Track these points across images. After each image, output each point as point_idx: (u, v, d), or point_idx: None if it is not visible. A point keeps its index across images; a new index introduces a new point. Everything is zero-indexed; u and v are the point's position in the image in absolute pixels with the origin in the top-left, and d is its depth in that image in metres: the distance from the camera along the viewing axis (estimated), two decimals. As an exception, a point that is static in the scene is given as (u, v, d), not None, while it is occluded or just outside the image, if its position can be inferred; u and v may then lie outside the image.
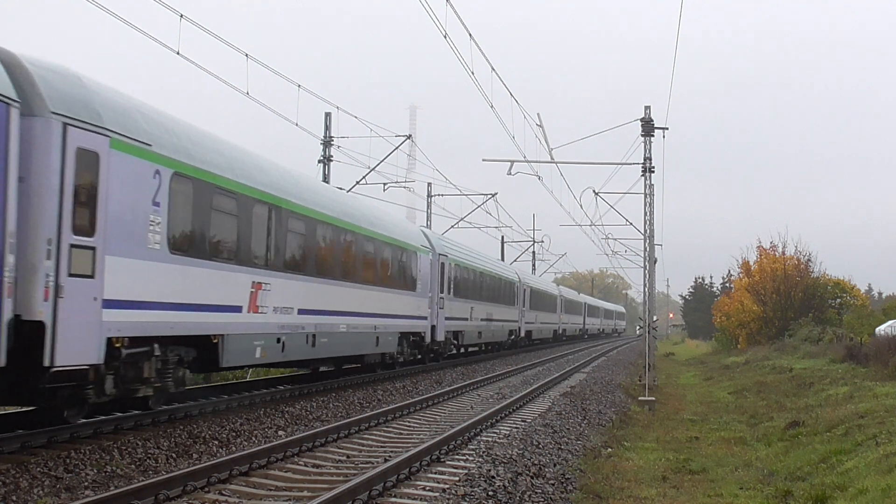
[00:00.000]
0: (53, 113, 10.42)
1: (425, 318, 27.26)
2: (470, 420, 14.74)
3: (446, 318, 29.75)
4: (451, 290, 30.62)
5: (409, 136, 33.60)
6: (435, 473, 10.82)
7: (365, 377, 22.93)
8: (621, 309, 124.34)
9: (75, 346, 10.65)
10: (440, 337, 28.91)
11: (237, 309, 14.70)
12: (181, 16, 16.48)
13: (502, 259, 56.77)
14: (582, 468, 11.85)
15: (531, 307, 49.65)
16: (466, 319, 33.35)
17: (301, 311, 17.36)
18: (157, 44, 16.73)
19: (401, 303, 24.59)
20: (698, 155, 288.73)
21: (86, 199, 10.82)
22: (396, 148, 32.18)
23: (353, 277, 20.51)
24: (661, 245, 69.56)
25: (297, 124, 24.45)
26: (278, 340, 16.27)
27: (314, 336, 18.01)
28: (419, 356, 28.03)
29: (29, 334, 10.08)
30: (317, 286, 18.24)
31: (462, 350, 37.56)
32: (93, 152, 10.95)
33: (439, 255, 29.15)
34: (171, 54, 17.18)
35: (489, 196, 45.59)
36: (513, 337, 44.68)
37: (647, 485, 11.27)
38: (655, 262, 30.12)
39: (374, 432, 14.27)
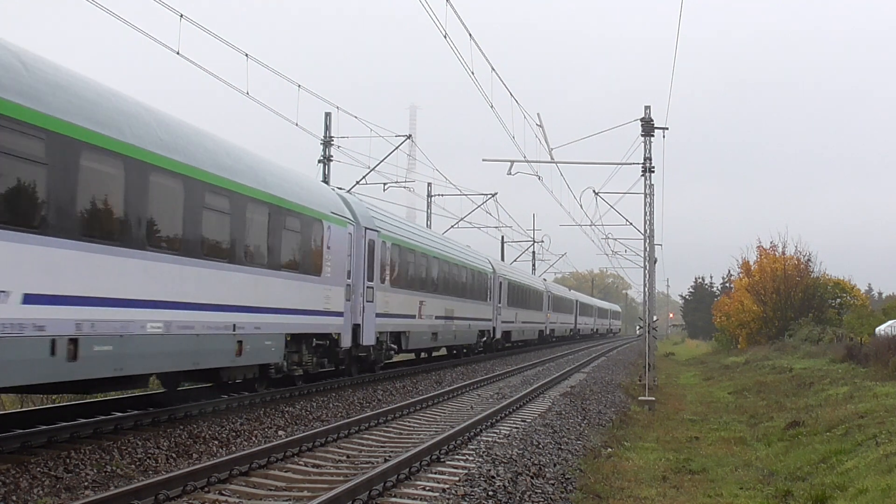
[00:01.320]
0: None
1: (340, 313, 19.68)
2: (470, 420, 14.74)
3: (378, 315, 22.38)
4: (387, 278, 23.36)
5: (409, 136, 33.60)
6: (435, 473, 10.82)
7: (365, 377, 22.91)
8: (616, 308, 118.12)
9: None
10: (367, 340, 21.50)
11: None
12: (181, 16, 16.47)
13: (501, 259, 56.63)
14: (582, 468, 11.85)
15: (510, 304, 42.69)
16: (413, 317, 26.17)
17: (33, 299, 10.06)
18: (157, 44, 16.73)
19: (292, 291, 17.08)
20: (698, 155, 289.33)
21: None
22: (396, 148, 32.21)
23: (183, 248, 13.27)
24: (661, 245, 69.24)
25: (297, 124, 24.48)
26: None
27: (75, 343, 10.67)
28: (341, 367, 21.52)
29: None
30: (79, 256, 10.87)
31: (417, 356, 32.51)
32: None
33: (366, 229, 21.47)
34: (171, 54, 17.16)
35: (489, 196, 45.65)
36: (485, 339, 37.92)
37: (647, 485, 11.27)
38: (655, 262, 30.11)
39: (374, 432, 14.28)
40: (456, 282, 32.07)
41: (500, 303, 40.31)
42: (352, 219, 20.72)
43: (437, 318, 29.12)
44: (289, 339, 17.20)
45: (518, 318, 45.43)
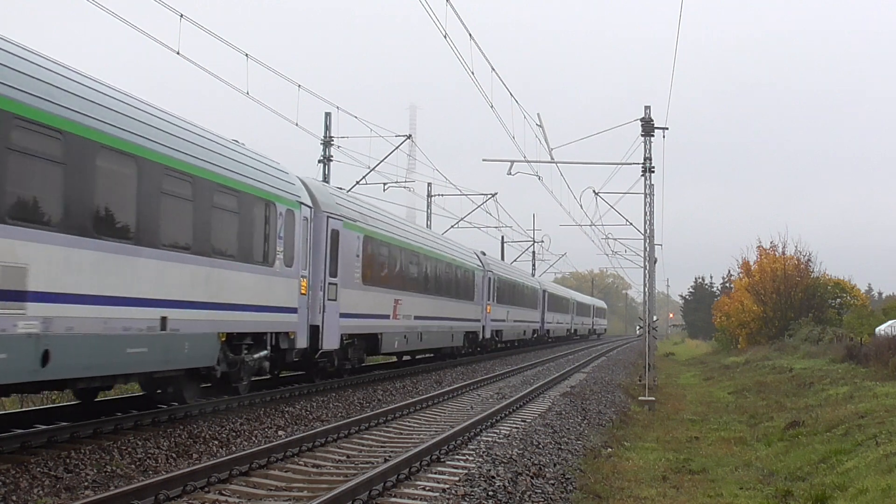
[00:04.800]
0: None
1: None
2: (470, 420, 14.75)
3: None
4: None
5: (409, 136, 33.63)
6: (435, 473, 10.82)
7: (365, 377, 22.89)
8: (601, 304, 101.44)
9: None
10: None
11: None
12: (181, 16, 16.48)
13: (501, 258, 56.32)
14: (582, 468, 11.85)
15: (377, 282, 23.16)
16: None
17: None
18: (157, 44, 16.72)
19: None
20: (698, 155, 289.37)
21: None
22: (396, 148, 32.21)
23: None
24: (661, 245, 68.22)
25: (297, 124, 24.42)
26: None
27: None
28: None
29: None
30: None
31: None
32: None
33: None
34: (171, 54, 17.15)
35: (489, 196, 45.58)
36: (292, 349, 17.64)
37: (647, 485, 11.27)
38: (655, 262, 30.10)
39: (374, 432, 14.28)
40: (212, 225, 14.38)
41: (355, 274, 20.97)
42: None
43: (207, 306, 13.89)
44: None
45: (411, 309, 26.14)
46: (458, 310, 32.53)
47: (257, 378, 18.38)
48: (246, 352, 15.84)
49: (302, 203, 17.85)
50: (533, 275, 59.93)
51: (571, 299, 70.50)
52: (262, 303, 16.20)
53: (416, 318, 26.78)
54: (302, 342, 17.98)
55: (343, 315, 20.11)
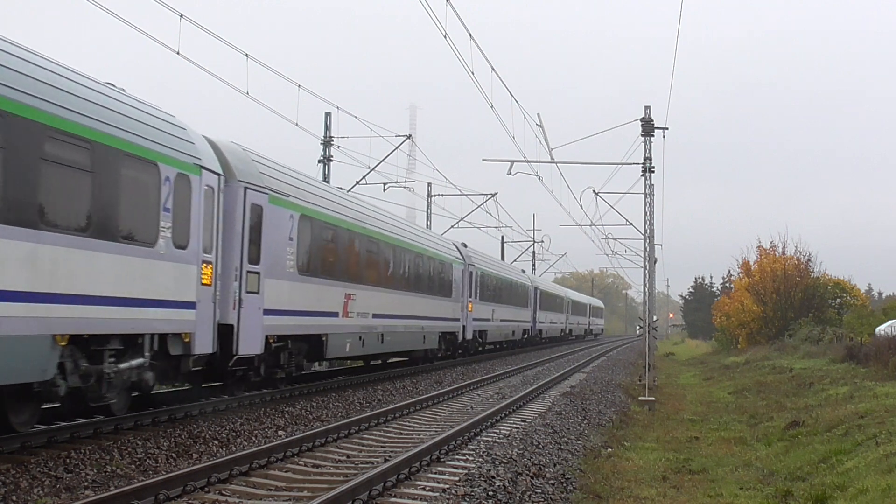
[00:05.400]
0: None
1: None
2: (470, 420, 14.75)
3: None
4: None
5: (409, 136, 33.68)
6: (435, 473, 10.82)
7: (366, 377, 22.87)
8: (598, 303, 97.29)
9: None
10: None
11: None
12: (181, 16, 16.50)
13: (501, 258, 56.21)
14: (582, 468, 11.85)
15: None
16: None
17: None
18: (157, 44, 16.73)
19: None
20: (698, 155, 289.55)
21: None
22: (396, 148, 32.25)
23: None
24: (661, 245, 67.83)
25: (297, 124, 24.46)
26: None
27: None
28: None
29: None
30: None
31: None
32: None
33: None
34: (171, 54, 17.16)
35: (489, 196, 45.60)
36: (188, 359, 13.88)
37: (647, 485, 11.28)
38: (655, 262, 30.11)
39: (374, 432, 14.28)
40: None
41: (287, 261, 17.36)
42: None
43: None
44: None
45: (369, 306, 22.24)
46: (431, 307, 28.10)
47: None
48: (111, 360, 11.93)
49: (204, 168, 13.87)
50: (524, 272, 55.23)
51: (566, 298, 66.44)
52: (135, 294, 12.13)
53: (376, 316, 22.57)
54: (204, 346, 13.95)
55: (269, 312, 16.28)
